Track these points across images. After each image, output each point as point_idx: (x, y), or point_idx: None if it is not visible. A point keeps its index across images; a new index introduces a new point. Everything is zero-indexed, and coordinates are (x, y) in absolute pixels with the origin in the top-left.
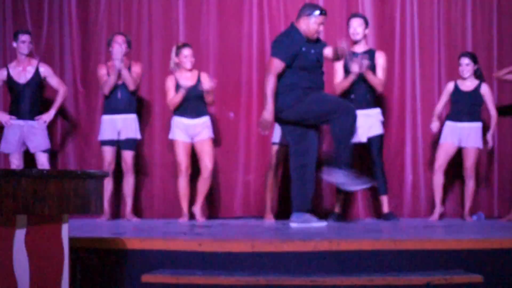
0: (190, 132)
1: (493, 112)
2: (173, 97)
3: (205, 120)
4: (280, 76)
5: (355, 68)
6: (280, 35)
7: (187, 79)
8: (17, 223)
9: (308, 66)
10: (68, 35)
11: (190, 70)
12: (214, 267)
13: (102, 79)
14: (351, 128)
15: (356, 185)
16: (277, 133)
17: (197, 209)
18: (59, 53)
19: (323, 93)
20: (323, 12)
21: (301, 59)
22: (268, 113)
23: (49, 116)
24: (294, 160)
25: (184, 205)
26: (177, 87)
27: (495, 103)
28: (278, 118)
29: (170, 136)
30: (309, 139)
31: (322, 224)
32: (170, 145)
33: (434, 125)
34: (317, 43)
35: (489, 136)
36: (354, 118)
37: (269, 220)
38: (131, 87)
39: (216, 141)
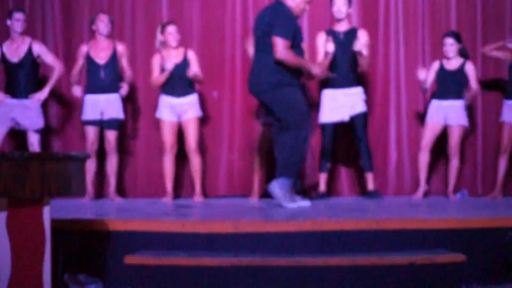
0: (177, 110)
1: (474, 86)
2: (157, 77)
3: (192, 98)
4: (270, 53)
5: (330, 47)
6: (273, 12)
7: (173, 57)
8: None
9: (299, 43)
10: (50, 14)
11: (176, 47)
12: (197, 248)
13: (79, 59)
14: (304, 145)
15: (290, 203)
16: (261, 113)
17: (196, 190)
18: (41, 31)
19: (299, 96)
20: None
21: (297, 36)
22: (314, 67)
23: (43, 94)
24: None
25: (169, 184)
26: (163, 67)
27: (478, 81)
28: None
29: (157, 115)
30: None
31: (307, 203)
32: (156, 123)
33: (421, 72)
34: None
35: (467, 95)
36: (308, 136)
37: (253, 200)
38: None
39: (201, 119)
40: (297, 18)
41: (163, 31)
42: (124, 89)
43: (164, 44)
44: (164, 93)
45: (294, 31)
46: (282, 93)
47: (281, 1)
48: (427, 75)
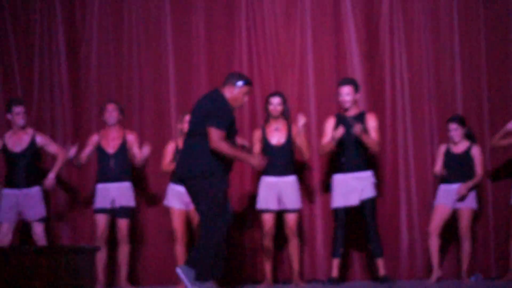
0: (185, 199)
1: (479, 171)
2: (168, 164)
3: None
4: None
5: (338, 133)
6: (210, 102)
7: None
8: None
9: (234, 136)
10: (59, 101)
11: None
12: None
13: (89, 146)
14: (220, 240)
15: None
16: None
17: None
18: (49, 118)
19: (223, 189)
20: (248, 82)
21: (232, 128)
22: (251, 158)
23: (50, 180)
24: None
25: None
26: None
27: (484, 165)
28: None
29: (165, 203)
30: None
31: None
32: (166, 211)
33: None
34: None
35: (462, 187)
36: (225, 231)
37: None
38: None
39: None
40: (233, 110)
41: (182, 120)
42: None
43: (183, 131)
44: (173, 182)
45: (229, 123)
46: (210, 184)
47: (219, 91)
48: (436, 161)
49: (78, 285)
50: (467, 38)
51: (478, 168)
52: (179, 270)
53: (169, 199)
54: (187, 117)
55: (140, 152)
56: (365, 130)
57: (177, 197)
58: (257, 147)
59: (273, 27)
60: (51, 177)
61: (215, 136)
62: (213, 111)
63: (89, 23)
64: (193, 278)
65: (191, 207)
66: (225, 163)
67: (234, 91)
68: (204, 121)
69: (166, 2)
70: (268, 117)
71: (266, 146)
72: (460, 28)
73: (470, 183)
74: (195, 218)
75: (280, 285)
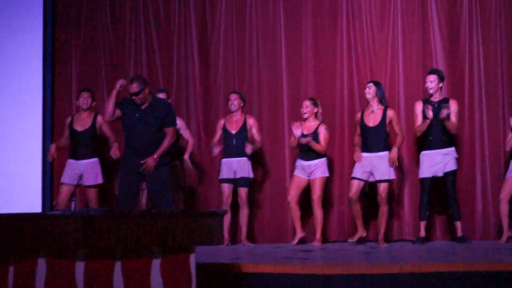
0: (307, 171)
1: None
2: (293, 141)
3: (319, 161)
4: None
5: (430, 114)
6: (169, 107)
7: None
8: (154, 254)
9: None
10: (192, 92)
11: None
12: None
13: (218, 131)
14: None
15: None
16: (357, 170)
17: (317, 236)
18: (185, 108)
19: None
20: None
21: None
22: None
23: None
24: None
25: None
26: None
27: None
28: None
29: (296, 173)
30: None
31: None
32: (280, 181)
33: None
34: None
35: None
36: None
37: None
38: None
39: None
40: None
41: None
42: (249, 148)
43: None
44: (300, 158)
45: None
46: None
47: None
48: (509, 137)
49: (210, 242)
50: None
51: None
52: None
53: (296, 171)
54: (307, 103)
55: (257, 141)
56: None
57: (300, 169)
58: (419, 119)
59: (369, 26)
60: (185, 158)
61: (174, 133)
62: (172, 111)
63: (217, 28)
64: None
65: (311, 177)
66: None
67: None
68: None
69: (281, 7)
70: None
71: (363, 127)
72: None
73: None
74: (313, 186)
75: (372, 243)
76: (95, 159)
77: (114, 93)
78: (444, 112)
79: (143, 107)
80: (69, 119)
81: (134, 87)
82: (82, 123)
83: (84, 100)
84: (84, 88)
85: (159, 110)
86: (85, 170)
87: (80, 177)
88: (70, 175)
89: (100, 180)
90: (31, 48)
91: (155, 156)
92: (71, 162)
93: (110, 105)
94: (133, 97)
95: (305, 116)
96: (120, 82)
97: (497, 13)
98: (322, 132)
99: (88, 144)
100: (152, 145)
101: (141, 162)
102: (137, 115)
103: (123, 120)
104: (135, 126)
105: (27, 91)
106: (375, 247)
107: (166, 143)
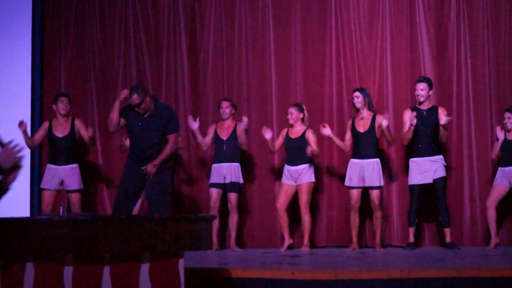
0: (294, 177)
1: None
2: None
3: (305, 166)
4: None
5: (414, 121)
6: (172, 113)
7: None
8: (142, 259)
9: None
10: (182, 97)
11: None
12: None
13: (209, 133)
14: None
15: None
16: (353, 178)
17: (305, 241)
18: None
19: (123, 178)
20: None
21: None
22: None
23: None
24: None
25: (286, 235)
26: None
27: None
28: None
29: (283, 180)
30: None
31: None
32: (269, 187)
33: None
34: None
35: None
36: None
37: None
38: (244, 146)
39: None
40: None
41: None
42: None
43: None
44: (286, 164)
45: None
46: None
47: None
48: (495, 145)
49: (199, 247)
50: None
51: None
52: None
53: (283, 177)
54: (292, 110)
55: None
56: (437, 120)
57: (287, 175)
58: (406, 126)
59: (358, 34)
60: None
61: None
62: (175, 119)
63: (206, 34)
64: None
65: (298, 183)
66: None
67: None
68: None
69: (270, 14)
70: (357, 109)
71: (354, 134)
72: None
73: None
74: (300, 192)
75: (363, 249)
76: (75, 165)
77: (117, 103)
78: (444, 119)
79: (145, 116)
80: (46, 124)
81: (135, 99)
82: (61, 128)
83: (64, 105)
84: (62, 93)
85: (161, 118)
86: (66, 176)
87: (62, 182)
88: (50, 180)
89: (81, 185)
90: (20, 54)
91: (155, 163)
92: (50, 167)
93: (114, 116)
94: (135, 109)
95: (291, 122)
96: (124, 94)
97: (484, 23)
98: (311, 137)
99: (68, 149)
100: (156, 153)
101: (142, 168)
102: (139, 123)
103: (127, 128)
104: (138, 135)
105: (15, 97)
106: (364, 252)
107: (167, 150)
